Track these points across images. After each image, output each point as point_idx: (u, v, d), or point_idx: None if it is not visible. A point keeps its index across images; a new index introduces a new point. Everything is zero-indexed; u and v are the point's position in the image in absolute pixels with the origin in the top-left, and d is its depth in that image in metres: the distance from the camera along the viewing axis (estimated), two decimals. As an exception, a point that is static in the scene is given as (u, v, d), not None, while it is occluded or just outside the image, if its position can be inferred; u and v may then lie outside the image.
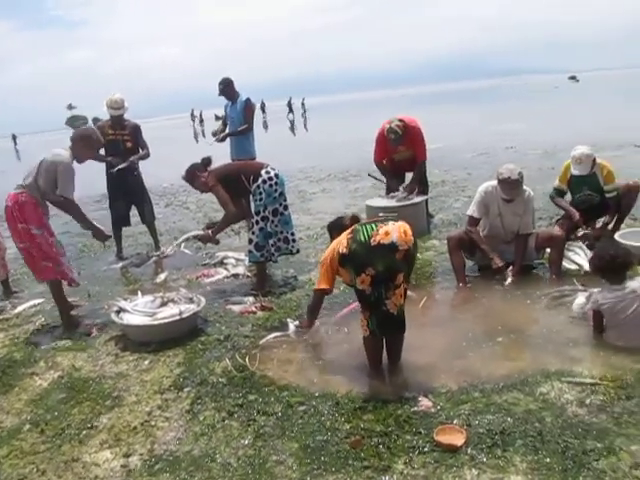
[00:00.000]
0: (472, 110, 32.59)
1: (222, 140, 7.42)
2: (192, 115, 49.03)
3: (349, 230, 3.40)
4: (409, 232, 3.28)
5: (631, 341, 3.51)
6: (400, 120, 6.43)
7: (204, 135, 29.30)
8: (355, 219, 3.60)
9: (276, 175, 5.01)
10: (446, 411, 3.01)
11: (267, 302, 4.78)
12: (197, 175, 5.06)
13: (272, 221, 5.01)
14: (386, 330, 3.42)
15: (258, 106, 38.81)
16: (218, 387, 3.51)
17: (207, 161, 5.12)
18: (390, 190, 6.78)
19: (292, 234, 5.25)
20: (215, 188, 4.96)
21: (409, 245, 3.26)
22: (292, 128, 32.52)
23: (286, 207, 5.18)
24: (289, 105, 43.88)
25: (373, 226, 3.30)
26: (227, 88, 7.20)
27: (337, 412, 3.10)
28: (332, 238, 3.68)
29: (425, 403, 3.08)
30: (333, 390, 3.33)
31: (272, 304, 4.75)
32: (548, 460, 2.57)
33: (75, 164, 4.54)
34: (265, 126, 33.92)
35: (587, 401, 3.01)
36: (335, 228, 3.69)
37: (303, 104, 47.30)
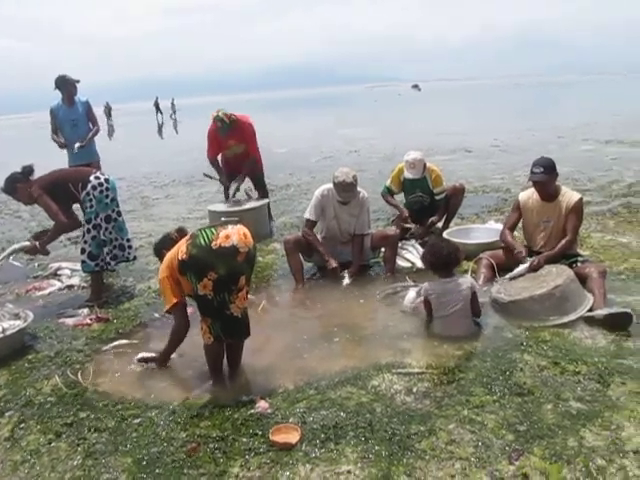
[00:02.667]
0: (320, 116, 33.64)
1: (83, 146, 6.81)
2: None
3: (186, 237, 3.35)
4: (248, 234, 3.30)
5: (454, 331, 3.81)
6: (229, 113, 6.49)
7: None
8: (181, 231, 3.57)
9: (106, 180, 4.80)
10: (282, 410, 3.05)
11: (103, 313, 4.57)
12: (18, 186, 4.70)
13: (105, 228, 4.80)
14: (231, 334, 3.39)
15: (101, 111, 36.88)
16: (45, 407, 3.28)
17: (29, 170, 4.74)
18: (226, 188, 6.76)
19: (128, 240, 5.06)
20: (41, 198, 4.64)
21: (249, 247, 3.27)
22: (160, 131, 31.15)
23: (119, 213, 4.98)
24: (156, 106, 41.38)
25: (213, 230, 3.27)
26: (74, 87, 6.77)
27: (173, 421, 3.04)
28: (161, 257, 3.56)
29: (262, 405, 3.11)
30: (170, 399, 3.26)
31: (109, 315, 4.56)
32: (377, 448, 2.70)
33: None
34: (112, 131, 32.41)
35: (414, 389, 3.20)
36: (164, 245, 3.59)
37: (173, 104, 44.72)
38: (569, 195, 4.53)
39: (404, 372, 3.38)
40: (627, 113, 21.53)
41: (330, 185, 5.00)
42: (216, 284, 3.20)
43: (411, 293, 4.39)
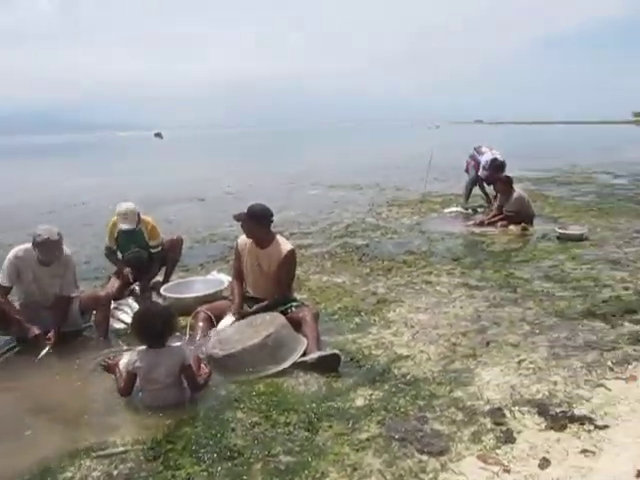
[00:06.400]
0: (49, 165, 31.30)
1: None
2: None
3: None
4: None
5: (166, 401, 3.49)
6: None
7: None
8: None
9: None
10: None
11: None
12: None
13: None
14: None
15: None
16: None
17: None
18: None
19: None
20: None
21: None
22: None
23: None
24: None
25: None
26: None
27: None
28: None
29: None
30: None
31: None
32: None
33: None
34: None
35: (115, 473, 2.84)
36: None
37: None
38: (281, 246, 4.61)
39: (105, 454, 3.00)
40: (349, 159, 23.89)
41: (27, 245, 4.45)
42: None
43: (126, 357, 4.02)
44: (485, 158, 10.32)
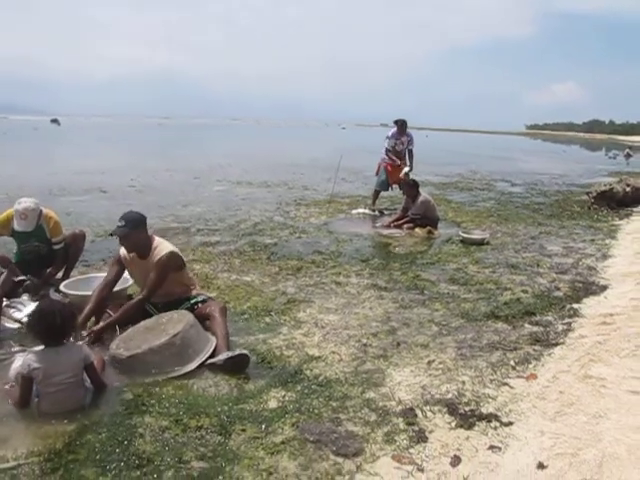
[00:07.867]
0: None
1: None
2: None
3: None
4: None
5: (66, 405, 3.25)
6: None
7: None
8: None
9: None
10: None
11: None
12: None
13: None
14: None
15: None
16: None
17: None
18: None
19: None
20: None
21: None
22: None
23: None
24: None
25: None
26: None
27: None
28: None
29: None
30: None
31: None
32: None
33: None
34: None
35: (5, 492, 2.60)
36: None
37: None
38: (159, 250, 4.37)
39: (-9, 470, 2.73)
40: (257, 156, 23.70)
41: None
42: None
43: (19, 361, 3.72)
44: (387, 133, 10.69)
